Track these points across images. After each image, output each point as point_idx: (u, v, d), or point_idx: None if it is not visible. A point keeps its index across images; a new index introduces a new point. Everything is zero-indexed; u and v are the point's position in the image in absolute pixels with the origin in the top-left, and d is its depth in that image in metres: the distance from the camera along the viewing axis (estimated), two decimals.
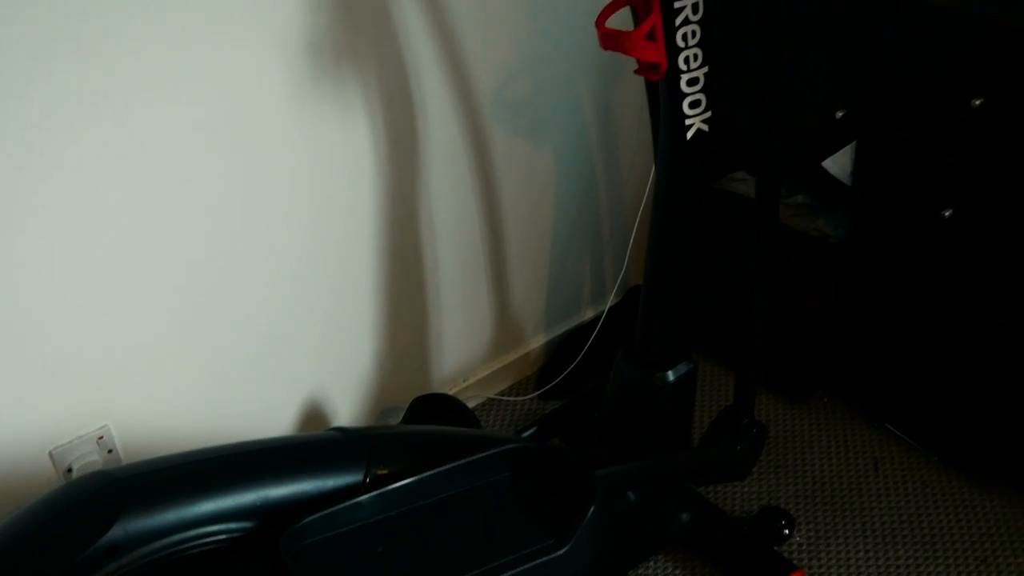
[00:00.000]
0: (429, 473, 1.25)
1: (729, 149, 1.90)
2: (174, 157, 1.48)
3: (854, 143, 1.75)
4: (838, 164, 1.77)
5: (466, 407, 1.86)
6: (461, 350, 2.09)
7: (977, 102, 1.52)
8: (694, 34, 1.29)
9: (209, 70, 1.46)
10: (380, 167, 1.74)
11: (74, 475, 1.55)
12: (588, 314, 2.32)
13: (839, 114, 1.74)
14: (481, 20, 1.76)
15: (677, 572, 1.74)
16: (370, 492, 1.22)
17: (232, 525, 1.16)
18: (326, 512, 1.19)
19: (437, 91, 1.76)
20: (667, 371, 1.57)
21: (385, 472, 1.26)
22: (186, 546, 1.13)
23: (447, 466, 1.28)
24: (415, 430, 1.52)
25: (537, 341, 2.24)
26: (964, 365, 1.78)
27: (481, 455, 1.31)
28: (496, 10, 1.78)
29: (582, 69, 1.97)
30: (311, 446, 1.26)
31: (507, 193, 1.99)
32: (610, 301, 2.27)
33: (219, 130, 1.51)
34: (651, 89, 1.46)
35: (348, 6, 1.57)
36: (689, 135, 1.37)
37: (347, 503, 1.20)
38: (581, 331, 2.24)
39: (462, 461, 1.28)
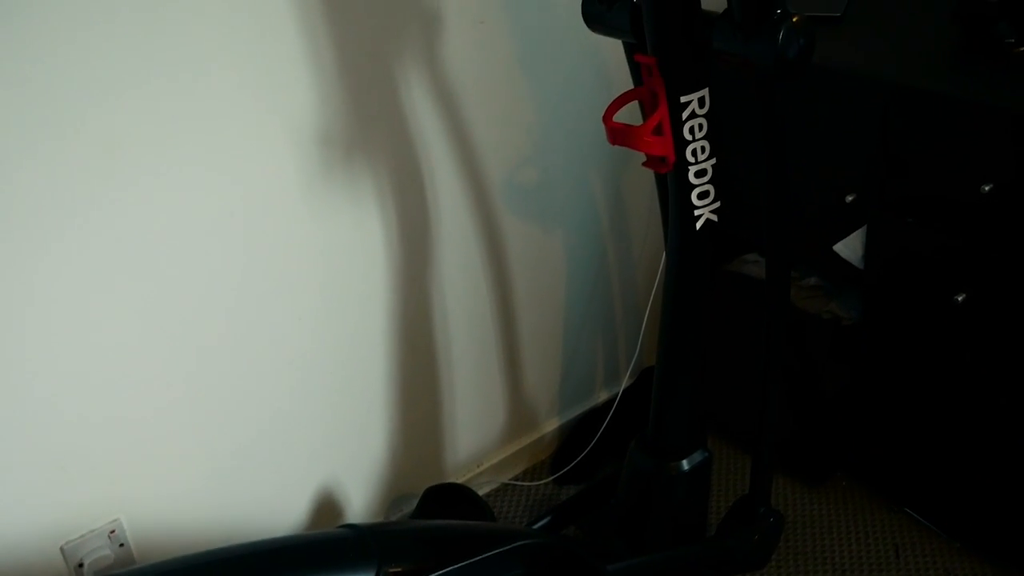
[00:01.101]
0: (441, 572, 1.24)
1: (739, 232, 1.90)
2: (185, 248, 1.49)
3: (865, 227, 1.75)
4: (849, 248, 1.77)
5: (479, 497, 1.85)
6: (474, 435, 2.08)
7: (987, 188, 1.53)
8: (701, 127, 1.30)
9: (221, 163, 1.49)
10: (392, 254, 1.75)
11: (85, 571, 1.54)
12: (602, 396, 2.31)
13: (848, 198, 1.74)
14: (491, 110, 1.79)
15: None
16: None
17: None
18: None
19: (448, 179, 1.78)
20: (681, 460, 1.56)
21: (397, 570, 1.23)
22: None
23: (459, 564, 1.26)
24: (426, 525, 1.50)
25: (551, 425, 2.23)
26: (983, 449, 1.76)
27: (494, 552, 1.29)
28: (506, 100, 1.81)
29: (592, 154, 1.99)
30: (320, 544, 1.24)
31: (519, 277, 2.00)
32: (624, 383, 2.25)
33: (231, 222, 1.53)
34: (660, 180, 1.47)
35: (358, 98, 1.59)
36: (698, 225, 1.37)
37: None
38: (595, 414, 2.22)
39: (474, 559, 1.26)
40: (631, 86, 1.42)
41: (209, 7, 1.39)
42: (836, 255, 1.80)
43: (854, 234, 1.77)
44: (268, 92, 1.50)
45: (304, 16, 1.48)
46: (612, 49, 1.45)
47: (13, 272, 1.34)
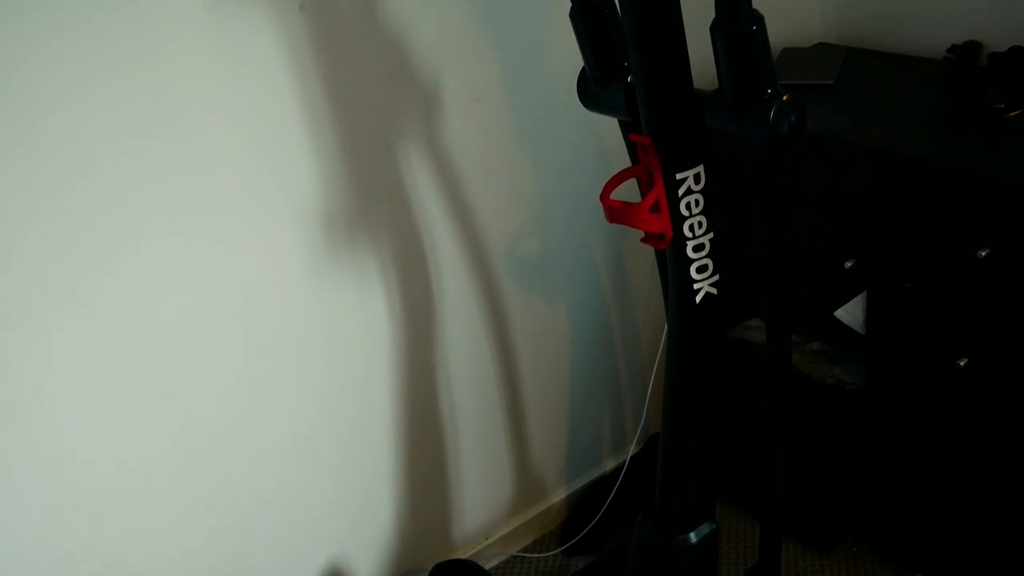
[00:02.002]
0: None
1: (741, 297, 1.91)
2: (193, 329, 1.51)
3: (865, 292, 1.76)
4: (850, 314, 1.78)
5: (488, 573, 1.84)
6: (482, 507, 2.08)
7: (983, 253, 1.54)
8: (697, 203, 1.31)
9: (227, 245, 1.51)
10: (396, 328, 1.77)
11: None
12: (610, 465, 2.30)
13: (848, 264, 1.75)
14: (492, 184, 1.81)
15: None
16: None
17: None
18: None
19: (451, 254, 1.80)
20: (689, 533, 1.55)
21: None
22: None
23: None
24: None
25: (559, 495, 2.22)
26: (994, 513, 1.74)
27: None
28: (507, 174, 1.84)
29: (593, 224, 2.01)
30: None
31: (522, 347, 2.01)
32: (632, 450, 2.25)
33: (238, 302, 1.55)
34: (659, 254, 1.48)
35: (360, 178, 1.62)
36: (698, 299, 1.38)
37: None
38: (603, 482, 2.22)
39: None
40: (630, 159, 1.44)
41: (216, 95, 1.43)
42: (838, 320, 1.80)
43: (855, 300, 1.78)
44: (273, 175, 1.53)
45: (307, 101, 1.52)
46: (611, 123, 1.47)
47: (19, 356, 1.35)
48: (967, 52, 1.93)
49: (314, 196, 1.58)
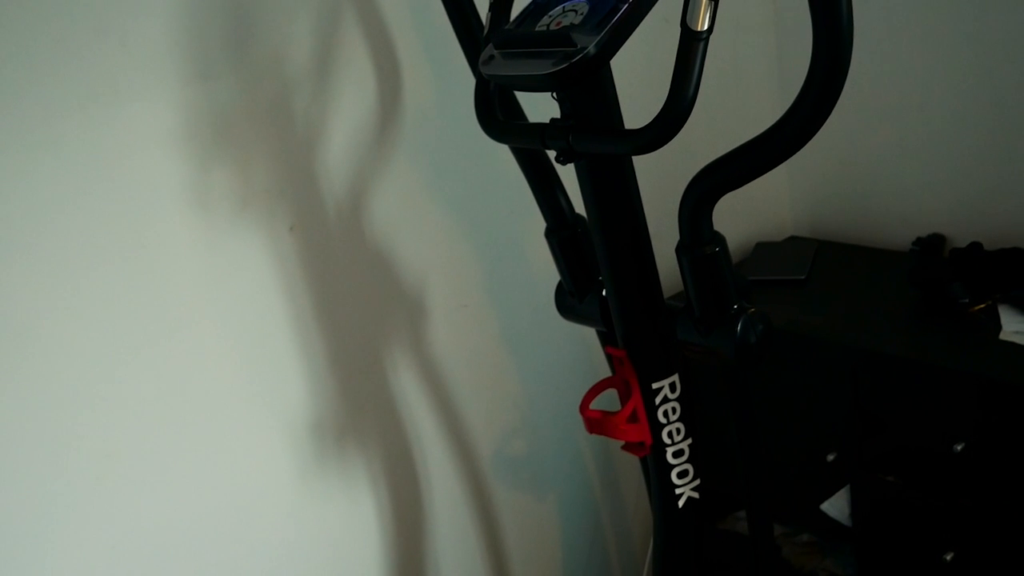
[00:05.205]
0: None
1: (729, 490, 1.92)
2: (179, 539, 1.51)
3: (849, 485, 1.78)
4: (835, 507, 1.79)
5: None
6: None
7: (959, 447, 1.57)
8: (674, 410, 1.35)
9: (216, 457, 1.53)
10: (385, 536, 1.77)
11: None
12: None
13: (830, 457, 1.78)
14: (478, 387, 1.85)
15: None
16: None
17: None
18: None
19: (439, 456, 1.82)
20: None
21: None
22: None
23: None
24: None
25: None
26: None
27: None
28: (493, 376, 1.88)
29: (579, 421, 2.01)
30: None
31: (514, 546, 2.01)
32: None
33: (223, 512, 1.56)
34: (642, 462, 1.51)
35: (349, 389, 1.66)
36: (680, 503, 1.40)
37: None
38: None
39: None
40: (609, 368, 1.48)
41: (208, 308, 1.49)
42: (824, 513, 1.82)
43: (839, 492, 1.79)
44: (262, 386, 1.56)
45: (296, 314, 1.57)
46: None
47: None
48: (931, 245, 2.01)
49: (303, 406, 1.61)
